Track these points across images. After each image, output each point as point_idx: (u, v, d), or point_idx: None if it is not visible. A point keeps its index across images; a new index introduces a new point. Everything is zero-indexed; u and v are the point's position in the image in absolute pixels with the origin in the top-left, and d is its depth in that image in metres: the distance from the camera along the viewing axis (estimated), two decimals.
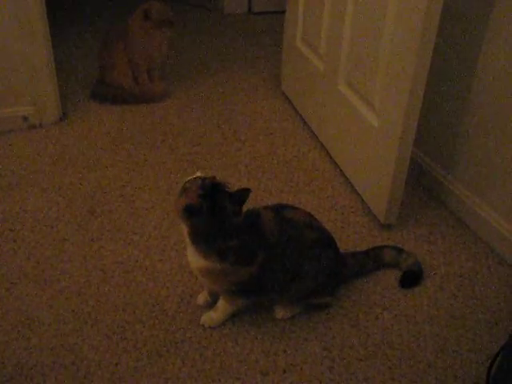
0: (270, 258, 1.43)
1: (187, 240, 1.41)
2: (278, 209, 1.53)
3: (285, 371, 1.46)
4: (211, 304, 1.59)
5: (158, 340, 1.53)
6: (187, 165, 2.27)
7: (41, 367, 1.44)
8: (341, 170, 2.24)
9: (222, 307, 1.54)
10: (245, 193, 1.40)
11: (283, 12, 2.77)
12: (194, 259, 1.43)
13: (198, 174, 1.41)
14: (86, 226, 1.93)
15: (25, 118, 2.47)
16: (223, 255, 1.38)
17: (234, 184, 2.14)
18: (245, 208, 1.43)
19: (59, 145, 2.39)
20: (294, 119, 2.65)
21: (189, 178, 1.39)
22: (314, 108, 2.47)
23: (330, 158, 2.34)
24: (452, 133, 2.02)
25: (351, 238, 1.91)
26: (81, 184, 2.14)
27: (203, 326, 1.57)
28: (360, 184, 2.09)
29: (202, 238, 1.38)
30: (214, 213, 1.34)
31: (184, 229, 1.39)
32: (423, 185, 2.19)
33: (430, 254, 1.85)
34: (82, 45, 3.37)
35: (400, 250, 1.77)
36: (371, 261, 1.74)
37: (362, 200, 2.08)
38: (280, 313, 1.60)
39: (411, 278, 1.73)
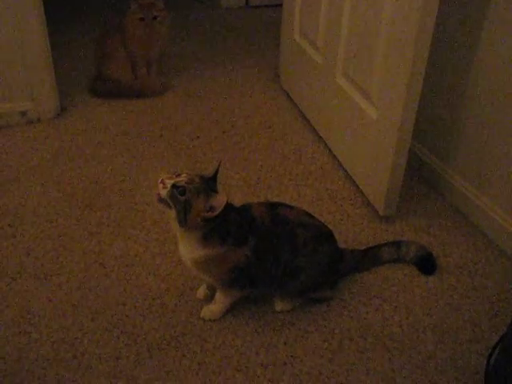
0: (262, 244, 1.44)
1: (190, 239, 1.40)
2: (272, 205, 1.54)
3: (285, 363, 1.46)
4: (211, 297, 1.59)
5: (158, 333, 1.53)
6: (186, 159, 2.27)
7: (42, 361, 1.45)
8: (339, 163, 2.24)
9: (220, 299, 1.55)
10: (218, 169, 1.43)
11: (280, 5, 2.76)
12: (190, 251, 1.42)
13: (165, 179, 1.35)
14: (85, 220, 1.93)
15: (23, 113, 2.46)
16: (224, 237, 1.39)
17: (233, 177, 2.16)
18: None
19: (58, 140, 2.38)
20: (293, 112, 2.64)
21: (165, 191, 1.33)
22: (313, 101, 2.47)
23: (329, 150, 2.34)
24: (450, 125, 2.02)
25: (350, 230, 1.91)
26: (79, 179, 2.14)
27: (203, 319, 1.57)
28: (359, 176, 2.10)
29: (209, 228, 1.38)
30: None
31: (190, 233, 1.39)
32: (422, 177, 2.19)
33: (429, 245, 1.85)
34: (80, 39, 3.36)
35: (398, 245, 1.76)
36: (369, 261, 1.75)
37: (361, 192, 2.08)
38: (279, 305, 1.60)
39: (425, 265, 1.76)
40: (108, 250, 1.81)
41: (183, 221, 1.34)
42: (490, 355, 1.40)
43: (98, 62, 2.75)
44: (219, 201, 1.34)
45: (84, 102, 2.68)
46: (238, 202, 2.01)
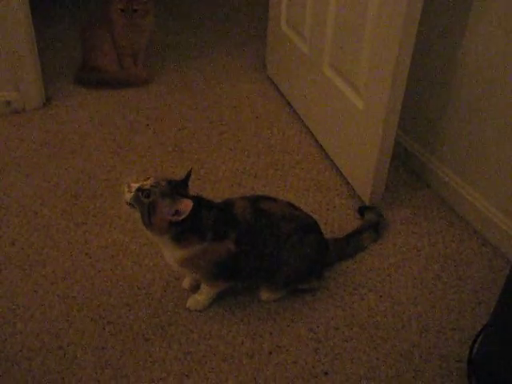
0: (244, 239, 1.45)
1: (165, 242, 1.41)
2: (255, 200, 1.54)
3: (270, 353, 1.47)
4: (196, 288, 1.60)
5: (144, 324, 1.53)
6: (172, 149, 2.27)
7: (27, 352, 1.44)
8: (326, 153, 2.25)
9: (205, 290, 1.56)
10: (189, 174, 1.44)
11: None
12: (173, 254, 1.43)
13: (131, 183, 1.38)
14: (70, 210, 1.93)
15: (8, 103, 2.44)
16: (202, 234, 1.40)
17: (219, 167, 2.15)
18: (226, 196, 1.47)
19: (43, 130, 2.37)
20: (280, 102, 2.64)
21: (130, 195, 1.36)
22: (300, 91, 2.46)
23: (316, 140, 2.34)
24: (436, 115, 2.03)
25: (336, 220, 1.92)
26: (65, 169, 2.13)
27: (189, 309, 1.57)
28: (345, 166, 2.10)
29: (182, 232, 1.38)
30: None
31: (160, 237, 1.40)
32: (408, 167, 2.20)
33: (415, 235, 1.87)
34: (66, 28, 3.33)
35: (376, 229, 1.83)
36: (352, 249, 1.78)
37: (347, 182, 2.08)
38: (265, 295, 1.61)
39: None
40: (94, 240, 1.81)
41: (147, 223, 1.35)
42: (473, 344, 1.41)
43: (84, 52, 2.72)
44: (185, 205, 1.33)
45: (69, 92, 2.66)
46: (224, 192, 2.02)
